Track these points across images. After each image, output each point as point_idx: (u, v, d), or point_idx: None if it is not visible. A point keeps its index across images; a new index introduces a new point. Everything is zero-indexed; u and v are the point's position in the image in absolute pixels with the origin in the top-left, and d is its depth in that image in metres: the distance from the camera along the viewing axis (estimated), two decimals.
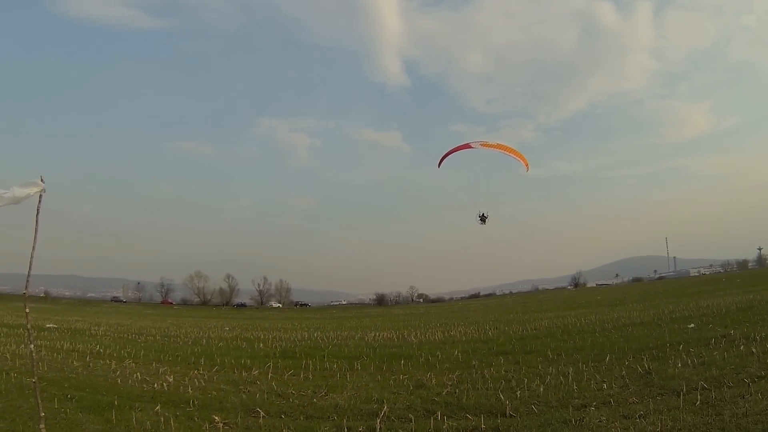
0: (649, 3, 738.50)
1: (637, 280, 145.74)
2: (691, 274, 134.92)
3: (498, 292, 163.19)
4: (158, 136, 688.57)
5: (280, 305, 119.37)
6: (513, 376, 10.95)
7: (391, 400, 9.26)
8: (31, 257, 5.67)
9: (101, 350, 17.51)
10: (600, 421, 7.03)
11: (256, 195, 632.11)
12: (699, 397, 7.61)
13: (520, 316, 35.09)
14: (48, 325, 29.33)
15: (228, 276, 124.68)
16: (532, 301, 76.81)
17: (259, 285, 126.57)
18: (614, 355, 12.34)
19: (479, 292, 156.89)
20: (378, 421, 7.67)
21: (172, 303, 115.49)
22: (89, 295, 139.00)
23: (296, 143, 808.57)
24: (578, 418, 7.26)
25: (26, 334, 6.27)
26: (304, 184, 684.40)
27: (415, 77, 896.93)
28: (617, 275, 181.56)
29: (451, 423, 7.52)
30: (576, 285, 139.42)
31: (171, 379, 11.51)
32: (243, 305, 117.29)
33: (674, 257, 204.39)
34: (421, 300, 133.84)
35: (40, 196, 5.60)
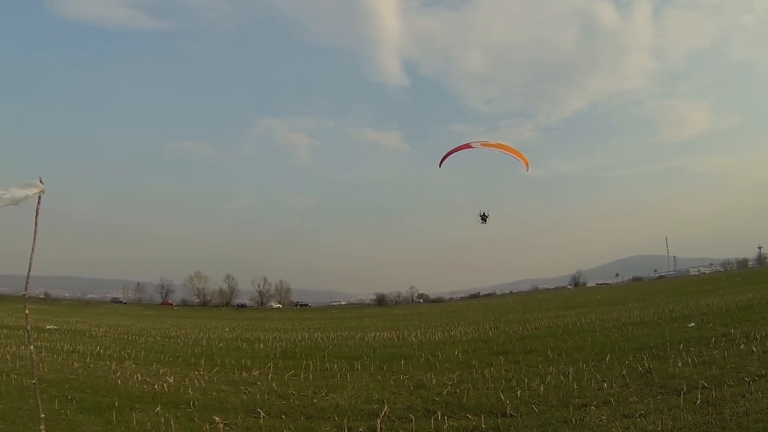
0: (649, 2, 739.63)
1: (637, 279, 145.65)
2: (691, 273, 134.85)
3: (498, 292, 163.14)
4: (158, 136, 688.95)
5: (280, 306, 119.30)
6: (513, 376, 10.94)
7: (392, 400, 9.26)
8: (31, 258, 5.67)
9: (101, 351, 17.51)
10: (600, 421, 7.03)
11: (256, 195, 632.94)
12: (699, 396, 7.60)
13: (520, 316, 35.09)
14: (48, 327, 29.31)
15: (228, 276, 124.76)
16: (532, 300, 76.81)
17: (259, 285, 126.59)
18: (614, 354, 12.34)
19: (479, 292, 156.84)
20: (378, 421, 7.67)
21: (172, 304, 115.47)
22: (89, 296, 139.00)
23: (296, 143, 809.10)
24: (579, 418, 7.26)
25: (26, 336, 6.26)
26: (304, 184, 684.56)
27: (415, 77, 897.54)
28: (617, 275, 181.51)
29: (451, 423, 7.52)
30: (576, 284, 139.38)
31: (171, 380, 11.50)
32: (243, 306, 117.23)
33: (674, 256, 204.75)
34: (421, 300, 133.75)
35: (39, 197, 5.60)
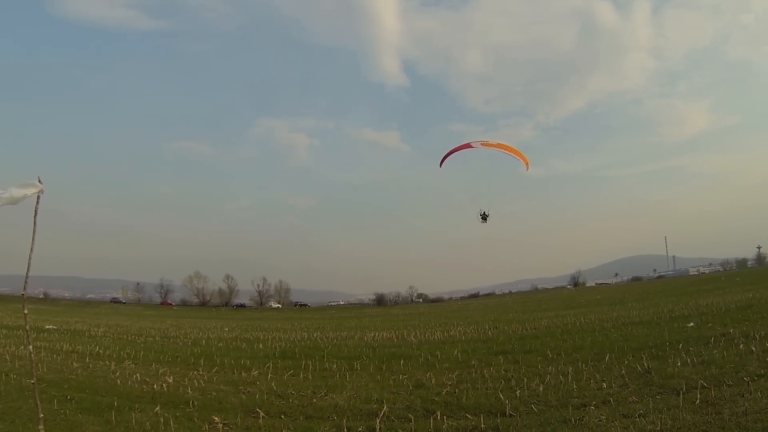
0: (648, 2, 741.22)
1: (636, 279, 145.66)
2: (691, 273, 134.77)
3: (497, 292, 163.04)
4: (157, 136, 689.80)
5: (280, 306, 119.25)
6: (512, 376, 10.95)
7: (391, 400, 9.26)
8: (30, 258, 5.66)
9: (101, 351, 17.49)
10: (600, 420, 7.04)
11: (256, 195, 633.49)
12: (699, 395, 7.61)
13: (520, 316, 35.11)
14: (47, 327, 29.28)
15: (227, 276, 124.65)
16: (532, 300, 76.82)
17: (258, 285, 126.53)
18: (614, 354, 12.34)
19: (478, 292, 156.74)
20: (378, 421, 7.67)
21: (171, 304, 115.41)
22: (88, 296, 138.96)
23: (295, 143, 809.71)
24: (578, 418, 7.26)
25: (25, 336, 6.26)
26: (304, 184, 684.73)
27: (414, 77, 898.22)
28: (616, 274, 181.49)
29: (450, 423, 7.52)
30: (575, 284, 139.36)
31: (170, 380, 11.49)
32: (242, 306, 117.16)
33: (673, 256, 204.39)
34: (421, 300, 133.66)
35: (38, 196, 5.59)
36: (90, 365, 14.19)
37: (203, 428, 7.67)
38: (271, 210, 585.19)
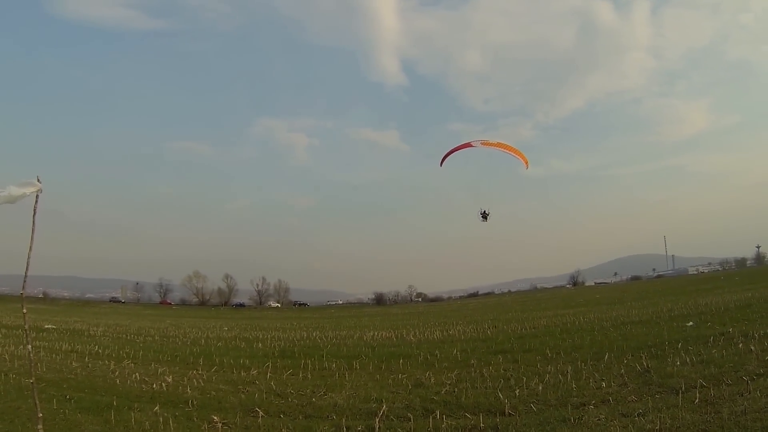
0: (647, 1, 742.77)
1: (635, 278, 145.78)
2: (690, 273, 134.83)
3: (497, 291, 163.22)
4: (157, 136, 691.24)
5: (279, 305, 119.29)
6: (512, 375, 10.95)
7: (390, 399, 9.26)
8: (28, 258, 5.65)
9: (100, 351, 17.48)
10: (599, 420, 7.03)
11: (255, 195, 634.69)
12: (698, 395, 7.61)
13: (519, 315, 35.10)
14: (46, 326, 29.26)
15: (226, 276, 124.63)
16: (531, 299, 76.83)
17: (257, 285, 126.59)
18: (613, 353, 12.33)
19: (478, 291, 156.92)
20: (377, 420, 7.66)
21: (170, 303, 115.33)
22: (88, 295, 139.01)
23: (295, 143, 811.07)
24: (577, 417, 7.26)
25: (24, 335, 6.25)
26: (303, 183, 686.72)
27: (413, 77, 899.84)
28: (616, 274, 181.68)
29: (450, 422, 7.52)
30: (574, 284, 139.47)
31: (170, 380, 11.49)
32: (241, 305, 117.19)
33: (673, 255, 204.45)
34: (420, 299, 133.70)
35: (37, 196, 5.58)
36: (89, 365, 14.18)
37: (202, 427, 7.66)
38: (271, 210, 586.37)
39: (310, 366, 13.50)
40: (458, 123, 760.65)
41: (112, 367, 13.64)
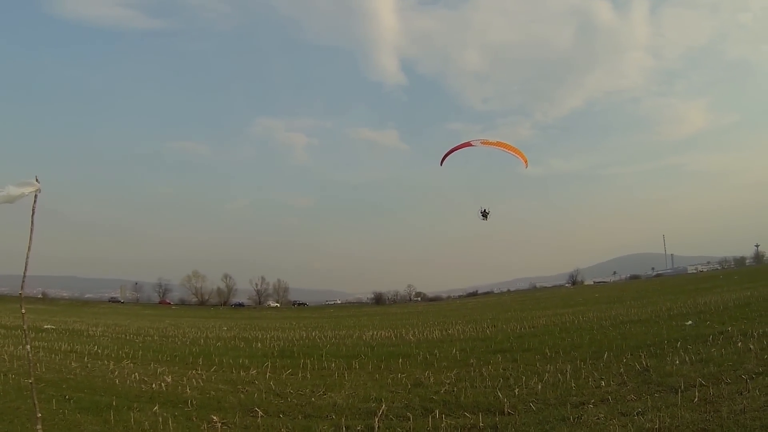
0: (646, 1, 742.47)
1: (634, 277, 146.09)
2: (689, 272, 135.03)
3: (496, 290, 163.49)
4: (155, 136, 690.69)
5: (278, 305, 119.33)
6: (511, 374, 10.95)
7: (389, 398, 9.26)
8: (27, 258, 5.64)
9: (99, 351, 17.46)
10: (598, 419, 7.04)
11: (254, 195, 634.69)
12: (697, 393, 7.61)
13: (518, 314, 35.11)
14: (46, 326, 29.24)
15: (226, 276, 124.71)
16: (530, 299, 76.90)
17: (256, 285, 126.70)
18: (612, 352, 12.34)
19: (477, 291, 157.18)
20: (376, 419, 7.66)
21: (170, 303, 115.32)
22: (87, 295, 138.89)
23: (294, 143, 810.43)
24: (576, 416, 7.26)
25: (23, 335, 6.25)
26: (302, 183, 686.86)
27: (412, 76, 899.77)
28: (615, 273, 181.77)
29: (449, 421, 7.52)
30: (574, 283, 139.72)
31: (169, 380, 11.48)
32: (241, 305, 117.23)
33: (672, 254, 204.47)
34: (419, 299, 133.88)
35: (35, 196, 5.57)
36: (88, 365, 14.17)
37: (202, 427, 7.66)
38: (270, 209, 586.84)
39: (309, 366, 13.50)
40: (457, 122, 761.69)
41: (111, 367, 13.63)
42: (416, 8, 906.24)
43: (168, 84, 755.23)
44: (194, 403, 9.21)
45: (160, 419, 7.84)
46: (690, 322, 17.19)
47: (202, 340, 23.18)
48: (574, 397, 8.37)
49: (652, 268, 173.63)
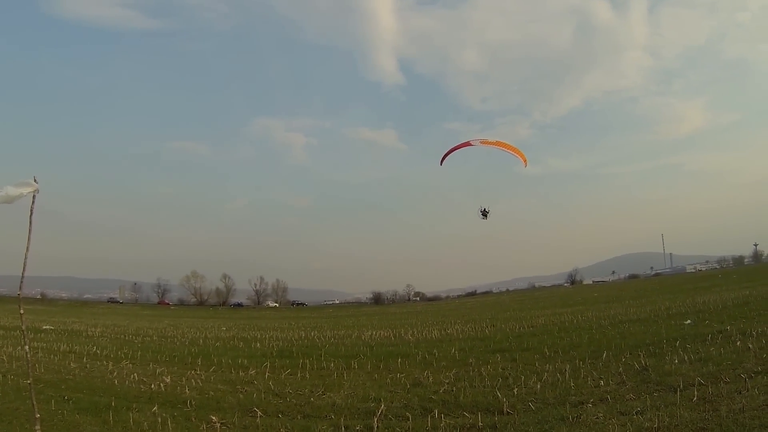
0: (644, 0, 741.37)
1: (633, 276, 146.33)
2: (688, 271, 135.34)
3: (495, 290, 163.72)
4: (154, 135, 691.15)
5: (277, 305, 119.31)
6: (510, 374, 10.95)
7: (388, 398, 9.26)
8: (25, 258, 5.64)
9: (98, 351, 17.44)
10: (597, 418, 7.04)
11: (253, 195, 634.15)
12: (696, 393, 7.62)
13: (517, 314, 35.12)
14: (44, 327, 29.19)
15: (225, 276, 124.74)
16: (529, 298, 76.94)
17: (255, 285, 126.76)
18: (611, 351, 12.35)
19: (476, 290, 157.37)
20: (375, 419, 7.66)
21: (168, 303, 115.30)
22: (86, 296, 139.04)
23: (292, 142, 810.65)
24: (575, 415, 7.26)
25: (22, 336, 6.24)
26: (301, 183, 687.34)
27: (411, 76, 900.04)
28: (613, 272, 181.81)
29: (448, 421, 7.52)
30: (572, 282, 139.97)
31: (168, 380, 11.47)
32: (240, 305, 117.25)
33: (670, 254, 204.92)
34: (418, 298, 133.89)
35: (34, 196, 5.57)
36: (87, 365, 14.15)
37: (201, 428, 7.65)
38: (269, 209, 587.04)
39: (308, 366, 13.49)
40: (456, 122, 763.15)
41: (110, 367, 13.62)
42: (415, 8, 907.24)
43: (167, 84, 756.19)
44: (193, 403, 9.21)
45: (159, 419, 7.84)
46: (689, 321, 17.21)
47: (201, 341, 23.16)
48: (573, 397, 8.38)
49: (651, 268, 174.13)
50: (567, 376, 9.95)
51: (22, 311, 6.03)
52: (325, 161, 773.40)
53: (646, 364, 10.30)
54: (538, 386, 9.28)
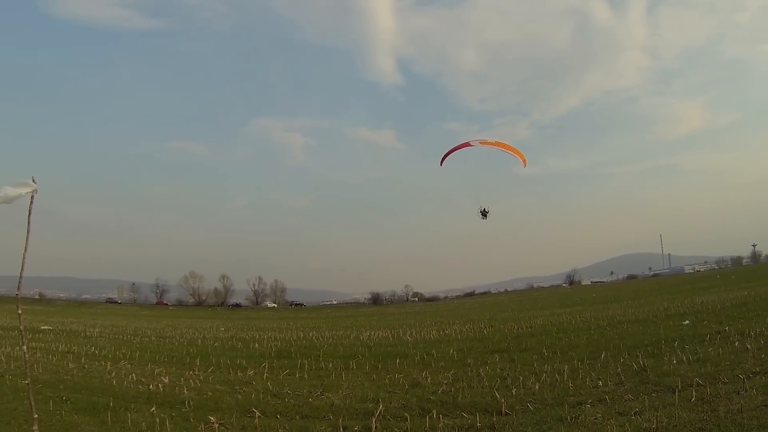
0: (643, 0, 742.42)
1: (631, 277, 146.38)
2: (686, 271, 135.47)
3: (493, 290, 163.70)
4: (153, 136, 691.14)
5: (275, 305, 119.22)
6: (508, 374, 10.96)
7: (387, 399, 9.26)
8: (24, 258, 5.64)
9: (96, 352, 17.43)
10: (595, 419, 7.04)
11: (251, 195, 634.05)
12: (694, 393, 7.62)
13: (516, 314, 35.15)
14: (43, 327, 29.14)
15: (223, 276, 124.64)
16: (528, 299, 76.98)
17: (254, 285, 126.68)
18: (609, 352, 12.36)
19: (474, 291, 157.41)
20: (374, 420, 7.66)
21: (167, 304, 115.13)
22: (84, 296, 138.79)
23: (291, 143, 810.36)
24: (574, 416, 7.27)
25: (20, 336, 6.24)
26: (299, 183, 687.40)
27: (409, 76, 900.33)
28: (612, 273, 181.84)
29: (446, 421, 7.53)
30: (571, 283, 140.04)
31: (166, 380, 11.46)
32: (238, 305, 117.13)
33: (669, 254, 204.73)
34: (417, 299, 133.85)
35: (32, 196, 5.57)
36: (86, 366, 14.13)
37: (199, 428, 7.64)
38: (267, 209, 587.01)
39: (306, 366, 13.49)
40: (454, 122, 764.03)
41: (108, 368, 13.60)
42: (413, 8, 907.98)
43: (166, 84, 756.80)
44: (191, 403, 9.20)
45: (158, 420, 7.83)
46: (687, 321, 17.23)
47: (200, 341, 23.14)
48: (572, 397, 8.38)
49: (650, 268, 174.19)
50: (565, 376, 9.95)
51: (20, 311, 6.03)
52: (323, 161, 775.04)
53: (644, 364, 10.31)
54: (537, 387, 9.29)
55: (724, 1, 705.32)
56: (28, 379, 5.87)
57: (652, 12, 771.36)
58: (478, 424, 7.31)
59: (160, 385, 10.89)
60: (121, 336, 25.31)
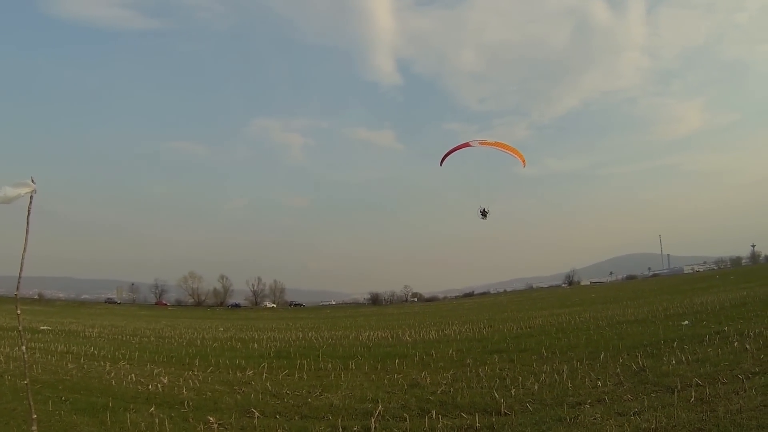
0: (642, 1, 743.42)
1: (631, 277, 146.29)
2: (685, 272, 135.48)
3: (492, 291, 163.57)
4: (152, 136, 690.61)
5: (275, 305, 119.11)
6: (507, 375, 10.96)
7: (386, 399, 9.26)
8: (22, 259, 5.63)
9: (95, 352, 17.42)
10: (595, 419, 7.05)
11: (250, 195, 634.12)
12: (693, 393, 7.63)
13: (515, 315, 35.15)
14: (42, 327, 29.13)
15: (222, 277, 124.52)
16: (527, 299, 77.00)
17: (253, 285, 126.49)
18: (609, 352, 12.37)
19: (473, 291, 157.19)
20: (373, 420, 7.66)
21: (166, 304, 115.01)
22: (83, 296, 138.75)
23: (290, 143, 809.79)
24: (573, 416, 7.27)
25: (19, 336, 6.23)
26: (298, 183, 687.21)
27: (408, 76, 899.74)
28: (611, 273, 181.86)
29: (446, 422, 7.52)
30: (570, 283, 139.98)
31: (165, 381, 11.45)
32: (237, 306, 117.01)
33: (668, 255, 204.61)
34: (416, 299, 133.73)
35: (31, 196, 5.56)
36: (85, 366, 14.12)
37: (198, 428, 7.64)
38: (266, 210, 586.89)
39: (305, 366, 13.49)
40: (453, 122, 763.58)
41: (107, 368, 13.59)
42: (412, 8, 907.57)
43: (165, 84, 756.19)
44: (191, 404, 9.20)
45: (157, 420, 7.82)
46: (686, 322, 17.24)
47: (199, 341, 23.14)
48: (571, 398, 8.38)
49: (649, 269, 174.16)
50: (564, 376, 9.96)
51: (19, 312, 6.02)
52: (322, 161, 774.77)
53: (643, 364, 10.32)
54: (536, 387, 9.30)
55: (723, 1, 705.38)
56: (27, 379, 5.86)
57: (651, 12, 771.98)
58: (477, 425, 7.31)
59: (159, 385, 10.89)
60: (120, 336, 25.30)
